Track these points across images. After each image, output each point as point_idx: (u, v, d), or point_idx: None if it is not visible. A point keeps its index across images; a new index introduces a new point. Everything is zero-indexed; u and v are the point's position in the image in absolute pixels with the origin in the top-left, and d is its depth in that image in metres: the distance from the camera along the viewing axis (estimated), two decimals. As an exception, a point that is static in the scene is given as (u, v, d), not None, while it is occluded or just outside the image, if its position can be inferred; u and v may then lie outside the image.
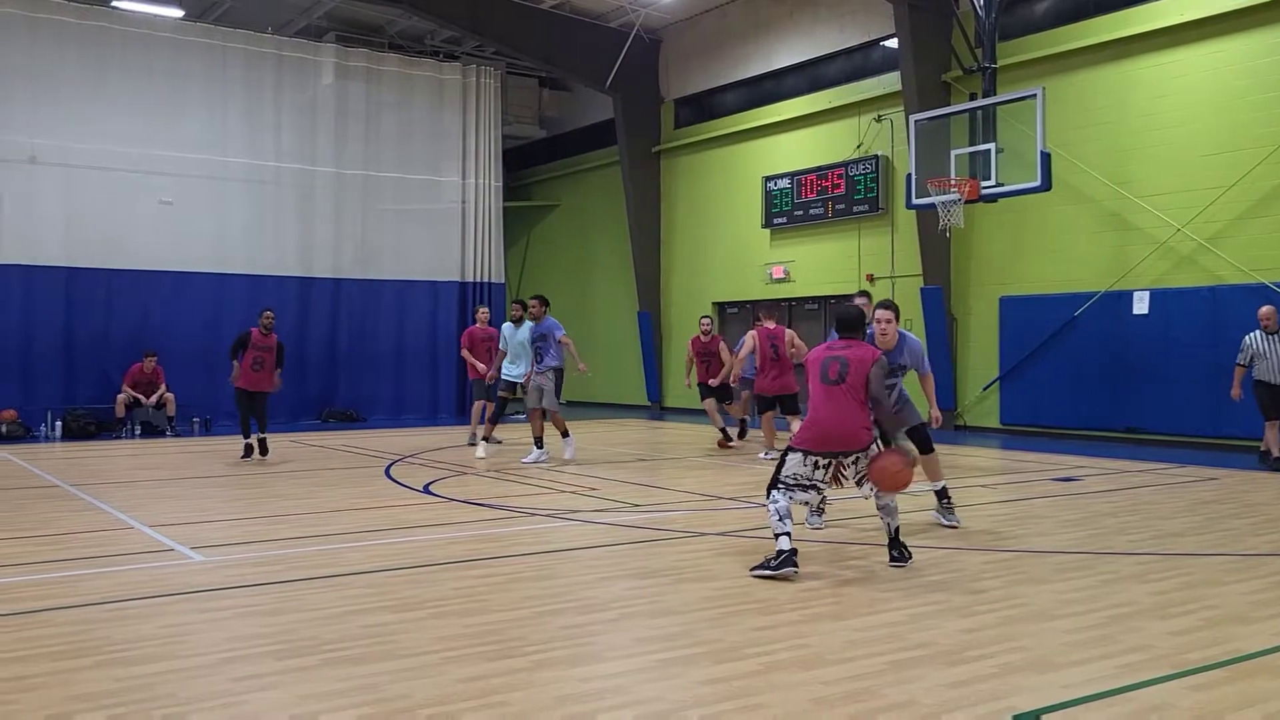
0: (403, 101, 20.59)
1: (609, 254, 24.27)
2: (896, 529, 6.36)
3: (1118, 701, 3.91)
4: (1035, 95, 13.66)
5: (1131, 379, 14.60)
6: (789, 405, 12.58)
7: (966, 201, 14.38)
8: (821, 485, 6.27)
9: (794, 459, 6.21)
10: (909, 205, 15.48)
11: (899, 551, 6.30)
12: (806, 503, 6.43)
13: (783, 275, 20.06)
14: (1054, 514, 8.47)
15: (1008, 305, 16.11)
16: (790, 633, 4.85)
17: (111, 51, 17.63)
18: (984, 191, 14.27)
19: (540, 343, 12.15)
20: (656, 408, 22.53)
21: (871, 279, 18.34)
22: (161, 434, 16.62)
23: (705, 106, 22.10)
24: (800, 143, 19.75)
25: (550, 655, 4.52)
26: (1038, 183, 13.69)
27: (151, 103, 17.95)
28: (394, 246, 20.37)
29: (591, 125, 24.74)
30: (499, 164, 21.88)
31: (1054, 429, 15.55)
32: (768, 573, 5.88)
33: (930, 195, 14.65)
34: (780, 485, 6.19)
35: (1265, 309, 11.79)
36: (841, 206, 18.70)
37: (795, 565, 5.90)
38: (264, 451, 12.79)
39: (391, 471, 11.49)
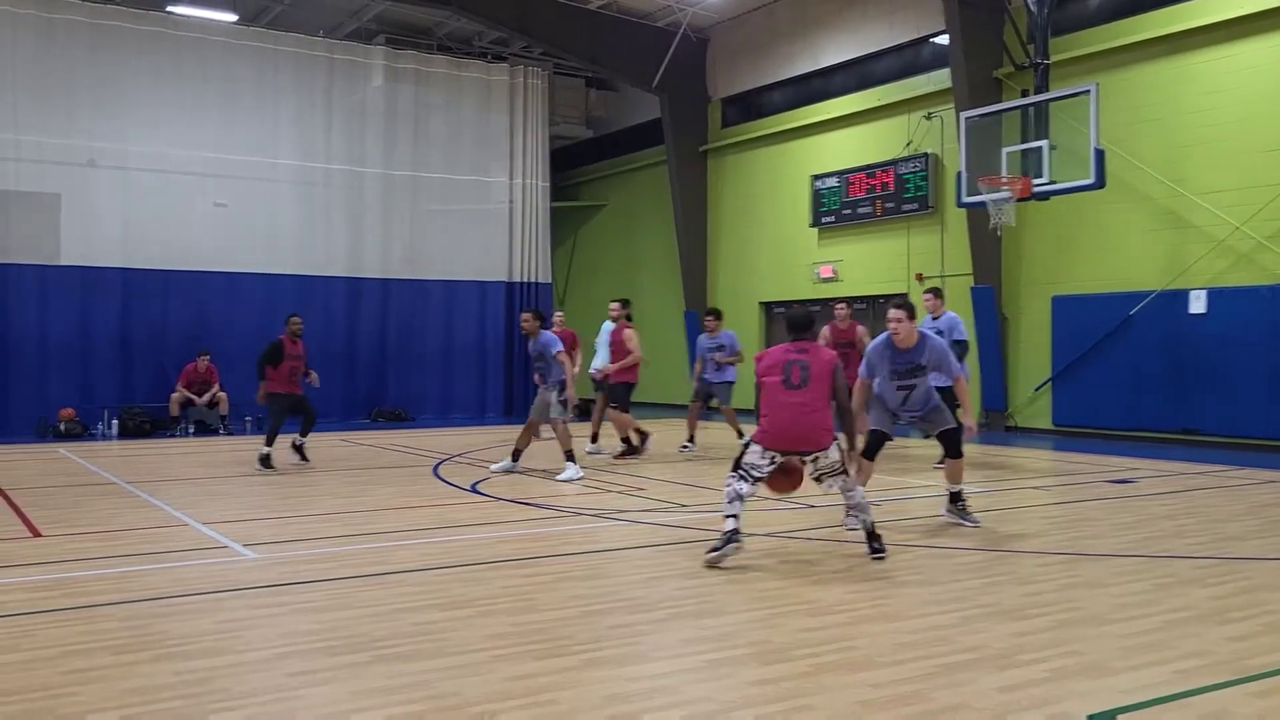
0: (451, 103, 20.75)
1: (656, 253, 24.27)
2: (872, 523, 6.59)
3: (1175, 707, 3.84)
4: (1089, 91, 13.45)
5: (1188, 379, 14.32)
6: None
7: (1018, 200, 14.20)
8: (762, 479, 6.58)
9: (754, 450, 6.55)
10: (959, 204, 15.31)
11: (878, 544, 6.52)
12: (741, 495, 6.54)
13: (831, 275, 19.93)
14: (1108, 517, 8.33)
15: (1060, 305, 15.87)
16: (838, 634, 4.82)
17: (166, 56, 17.95)
18: (1036, 189, 14.08)
19: (539, 362, 11.47)
20: (703, 408, 22.43)
21: (920, 278, 18.16)
22: (214, 432, 16.88)
23: (752, 105, 22.02)
24: (848, 141, 19.61)
25: (598, 655, 4.53)
26: (1091, 180, 13.48)
27: (205, 106, 18.25)
28: (442, 247, 20.54)
29: (638, 125, 24.76)
30: (546, 164, 21.96)
31: (1108, 430, 15.29)
32: (715, 555, 6.23)
33: (981, 193, 14.48)
34: (739, 472, 6.54)
35: None
36: (890, 205, 18.55)
37: (737, 542, 6.26)
38: (304, 457, 12.30)
39: (440, 470, 11.58)
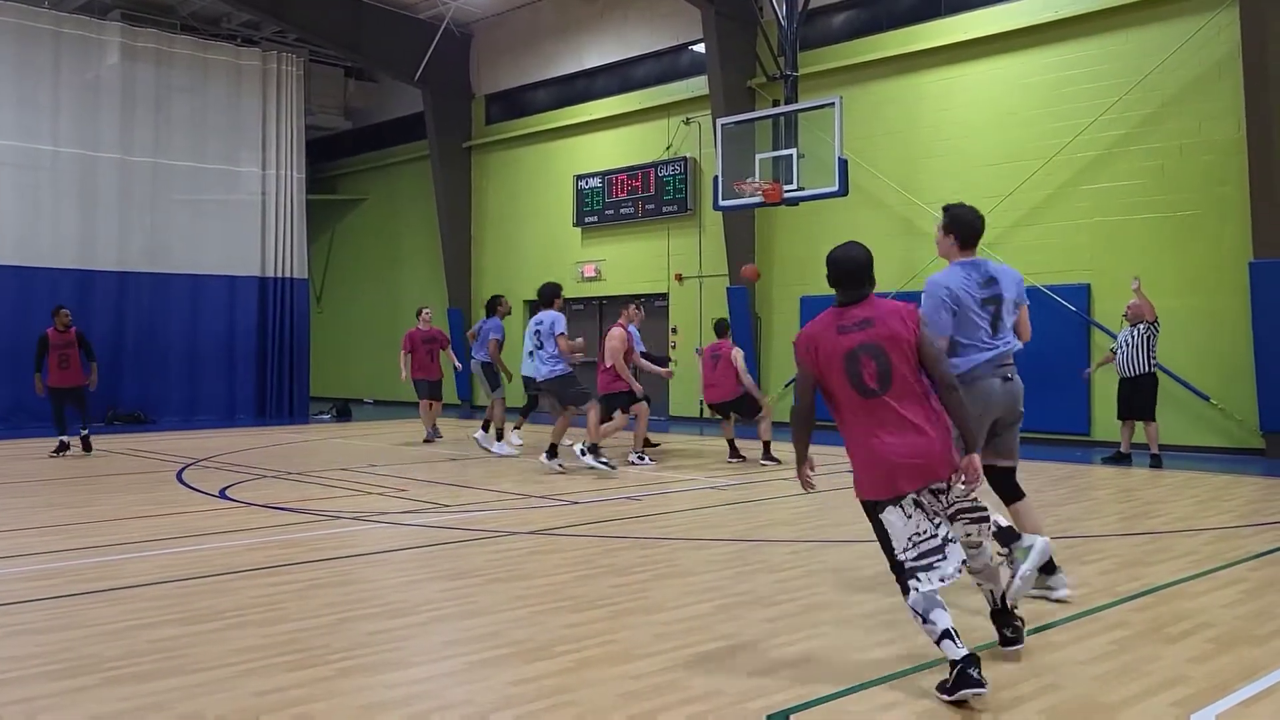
0: (196, 86, 19.54)
1: (418, 249, 23.81)
2: (1003, 596, 4.43)
3: (906, 683, 4.11)
4: (833, 104, 14.23)
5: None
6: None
7: (770, 204, 14.85)
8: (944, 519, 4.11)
9: (893, 518, 4.09)
10: (716, 207, 15.85)
11: (1012, 630, 4.40)
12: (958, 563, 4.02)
13: (594, 274, 20.18)
14: (850, 504, 8.82)
15: (809, 305, 16.73)
16: (600, 629, 4.88)
17: None
18: (786, 195, 14.76)
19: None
20: (467, 406, 22.25)
21: (680, 279, 18.70)
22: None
23: (517, 103, 21.98)
24: (611, 143, 19.92)
25: (355, 662, 4.38)
26: (836, 188, 14.27)
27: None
28: (186, 239, 19.31)
29: (400, 118, 24.21)
30: (302, 155, 21.07)
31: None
32: (948, 699, 3.84)
33: (736, 197, 15.05)
34: (907, 571, 4.02)
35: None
36: (651, 206, 18.98)
37: (978, 681, 3.77)
38: (87, 448, 12.89)
39: (184, 476, 10.90)
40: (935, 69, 15.44)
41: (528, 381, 12.16)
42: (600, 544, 7.05)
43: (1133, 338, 11.71)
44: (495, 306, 13.81)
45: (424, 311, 15.05)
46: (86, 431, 12.99)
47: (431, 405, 14.96)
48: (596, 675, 4.20)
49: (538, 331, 10.96)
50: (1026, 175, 14.40)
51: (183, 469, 11.47)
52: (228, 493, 9.58)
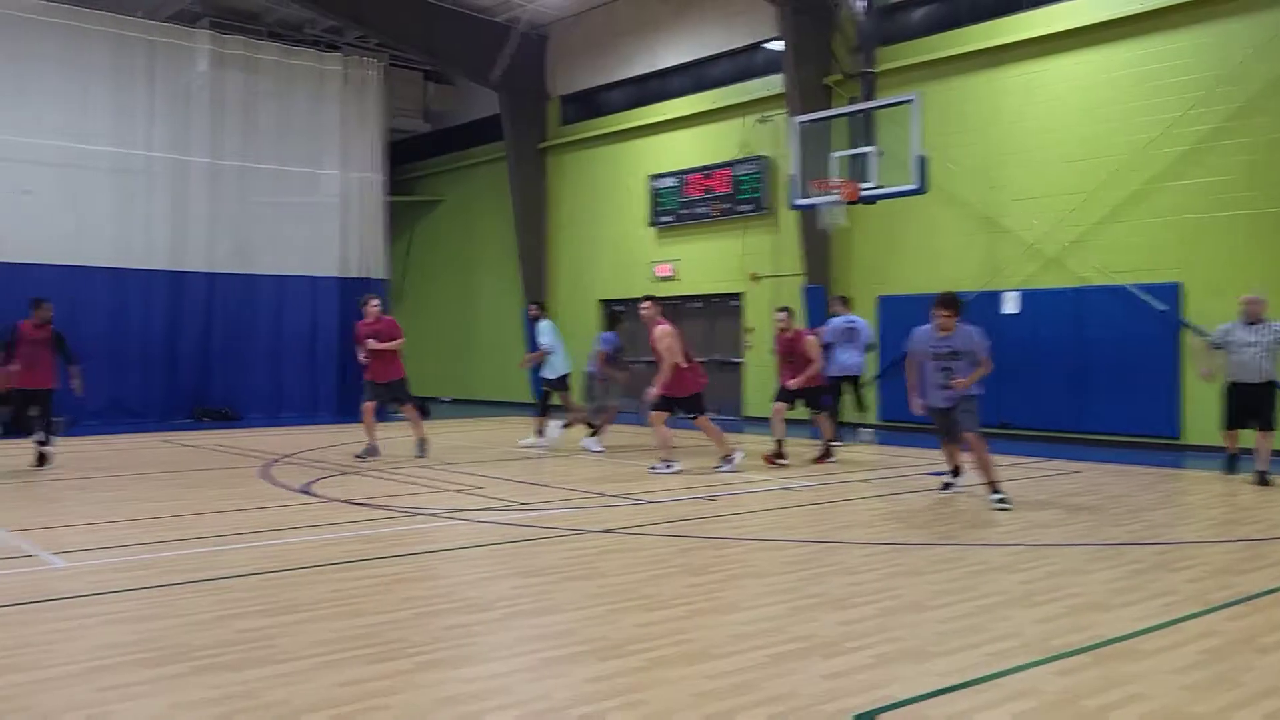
0: (281, 91, 20.02)
1: (495, 250, 24.06)
2: None
3: (989, 688, 4.05)
4: (912, 100, 14.06)
5: (1002, 376, 15.09)
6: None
7: (847, 203, 14.71)
8: None
9: None
10: (792, 206, 15.75)
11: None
12: None
13: (668, 274, 20.20)
14: (928, 508, 8.73)
15: (886, 304, 16.54)
16: (674, 628, 4.89)
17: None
18: (863, 193, 14.62)
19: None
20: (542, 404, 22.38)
21: (755, 278, 18.62)
22: (24, 434, 15.76)
23: (592, 104, 22.09)
24: (686, 142, 19.91)
25: (433, 657, 4.45)
26: (914, 185, 14.10)
27: (7, 86, 17.05)
28: (271, 240, 19.80)
29: (477, 120, 24.49)
30: (382, 157, 21.45)
31: (930, 425, 16.00)
32: None
33: (813, 196, 14.94)
34: None
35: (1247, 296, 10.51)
36: (726, 206, 18.93)
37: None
38: (41, 462, 11.38)
39: (269, 471, 11.17)
40: (1017, 63, 15.13)
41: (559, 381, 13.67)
42: (674, 543, 7.05)
43: (1257, 337, 10.18)
44: (615, 321, 14.43)
45: (371, 302, 12.85)
46: (45, 440, 11.48)
47: (401, 409, 12.96)
48: (670, 674, 4.20)
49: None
50: (1111, 171, 14.05)
51: (267, 465, 11.76)
52: (311, 488, 9.80)
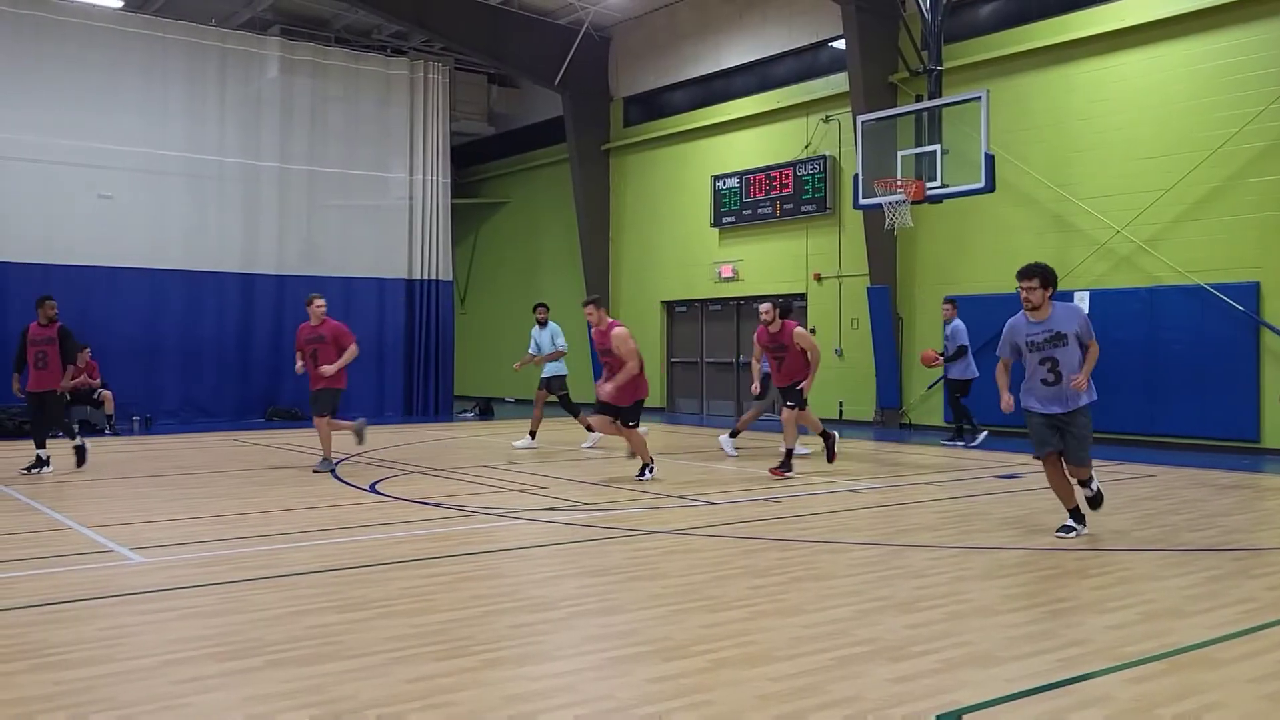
0: (349, 96, 20.36)
1: (558, 251, 24.21)
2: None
3: (1059, 695, 3.98)
4: (979, 98, 13.87)
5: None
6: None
7: (912, 202, 14.55)
8: None
9: None
10: (856, 205, 15.62)
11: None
12: None
13: (731, 274, 20.15)
14: (996, 511, 8.60)
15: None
16: (738, 630, 4.87)
17: (47, 42, 17.23)
18: (929, 192, 14.45)
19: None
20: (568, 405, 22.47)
21: (819, 278, 18.50)
22: (100, 432, 16.26)
23: (654, 105, 22.12)
24: (749, 142, 19.85)
25: (498, 655, 4.49)
26: (982, 184, 13.90)
27: (88, 95, 17.57)
28: (339, 243, 20.15)
29: (541, 122, 24.67)
30: (447, 160, 21.71)
31: (997, 427, 15.77)
32: None
33: (877, 195, 14.80)
34: None
35: None
36: (790, 206, 18.83)
37: None
38: (81, 461, 11.20)
39: (337, 470, 11.36)
40: (1089, 58, 14.84)
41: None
42: (738, 545, 7.04)
43: None
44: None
45: (315, 302, 11.32)
46: (73, 437, 11.29)
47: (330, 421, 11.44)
48: (734, 676, 4.19)
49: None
50: (1189, 168, 13.70)
51: (337, 463, 11.95)
52: (378, 487, 9.95)
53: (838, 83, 17.78)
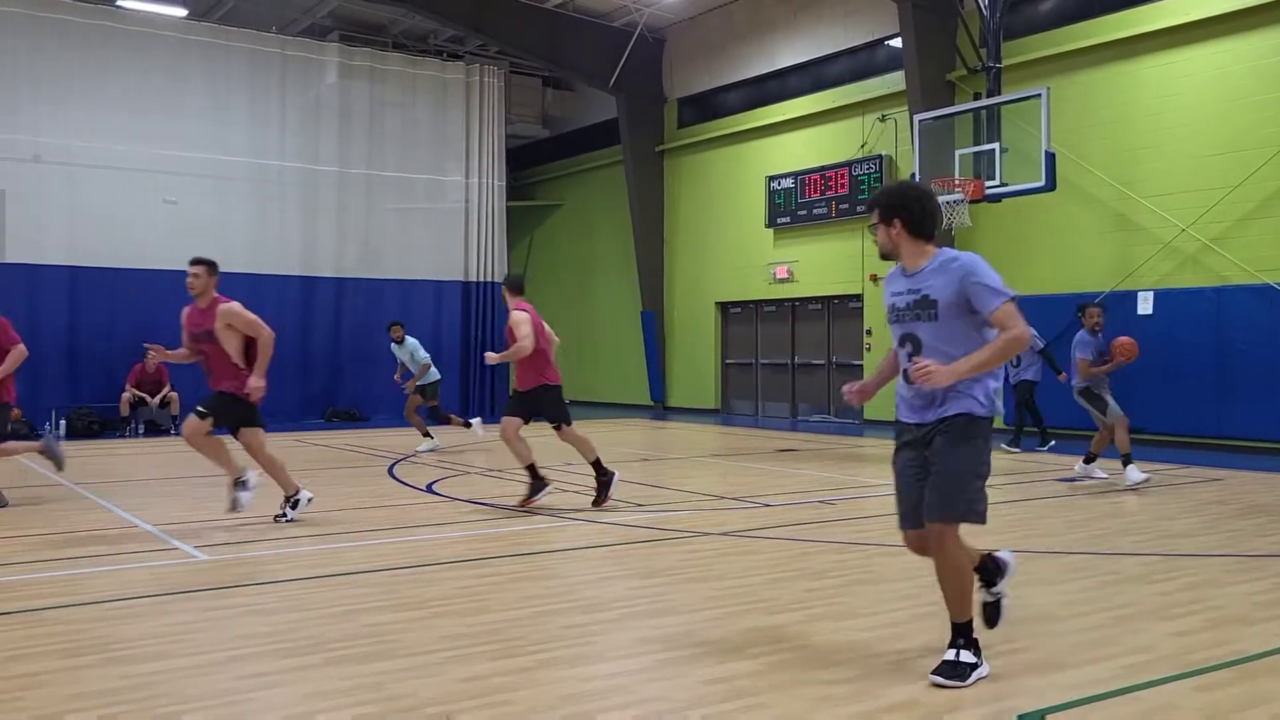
0: (406, 101, 20.62)
1: (612, 253, 24.27)
2: None
3: (1123, 702, 3.90)
4: (1040, 95, 13.66)
5: (1136, 379, 14.54)
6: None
7: (970, 201, 14.37)
8: None
9: None
10: (912, 205, 15.43)
11: None
12: None
13: (786, 275, 20.05)
14: (1058, 514, 8.45)
15: (1012, 305, 16.05)
16: (793, 633, 4.85)
17: (114, 51, 17.68)
18: (988, 191, 14.26)
19: None
20: (660, 407, 22.52)
21: (875, 279, 18.34)
22: (165, 433, 16.62)
23: (709, 106, 22.09)
24: (804, 142, 19.73)
25: (553, 655, 4.51)
26: (1042, 183, 13.69)
27: (154, 101, 18.00)
28: (397, 246, 20.41)
29: (595, 124, 24.75)
30: (502, 163, 21.90)
31: (1059, 429, 15.51)
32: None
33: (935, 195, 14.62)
34: None
35: None
36: (845, 206, 18.69)
37: None
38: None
39: (394, 470, 11.49)
40: (1153, 54, 14.54)
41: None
42: (793, 547, 6.99)
43: None
44: (1082, 313, 11.04)
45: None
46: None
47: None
48: (790, 678, 4.17)
49: None
50: (1256, 165, 13.36)
51: (394, 464, 12.10)
52: (434, 487, 10.05)
53: (894, 81, 17.62)
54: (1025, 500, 9.36)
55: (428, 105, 20.87)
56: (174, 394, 16.89)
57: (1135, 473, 9.90)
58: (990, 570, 4.51)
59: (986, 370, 4.19)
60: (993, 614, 4.53)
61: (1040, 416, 13.94)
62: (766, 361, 20.99)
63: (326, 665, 4.34)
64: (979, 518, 4.17)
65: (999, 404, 4.29)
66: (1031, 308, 15.49)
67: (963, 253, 4.49)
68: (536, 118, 25.22)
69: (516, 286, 8.98)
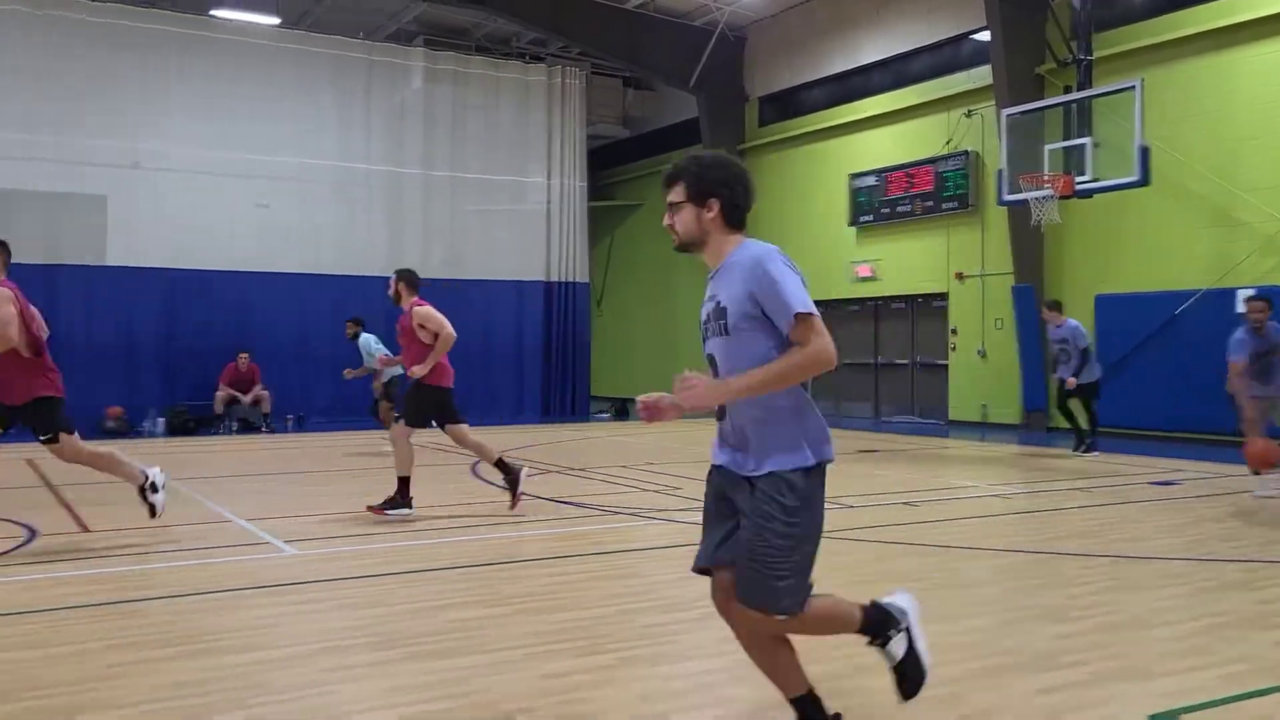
0: (489, 103, 20.86)
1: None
2: None
3: (1221, 712, 3.76)
4: (1134, 87, 13.26)
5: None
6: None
7: (1061, 197, 14.02)
8: None
9: None
10: (1000, 202, 15.14)
11: None
12: None
13: (869, 274, 19.80)
14: (1151, 518, 8.20)
15: (1104, 304, 15.64)
16: (876, 635, 4.77)
17: (209, 59, 18.20)
18: (1079, 187, 13.90)
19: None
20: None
21: (960, 277, 18.01)
22: (258, 430, 17.08)
23: (790, 104, 21.92)
24: (887, 139, 19.46)
25: (634, 653, 4.52)
26: (1136, 177, 13.29)
27: (245, 108, 18.47)
28: (480, 247, 20.65)
29: (675, 124, 24.72)
30: (584, 164, 22.01)
31: (1151, 431, 15.06)
32: None
33: (1023, 191, 14.32)
34: None
35: None
36: (930, 204, 18.39)
37: None
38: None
39: (478, 469, 11.63)
40: (1253, 43, 14.00)
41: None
42: (874, 549, 6.90)
43: None
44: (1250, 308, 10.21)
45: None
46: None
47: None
48: (871, 683, 4.11)
49: None
50: (1365, 155, 12.80)
51: (476, 462, 12.24)
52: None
53: (980, 76, 17.27)
54: (1118, 503, 9.10)
55: (510, 107, 21.08)
56: (265, 393, 17.33)
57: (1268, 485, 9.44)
58: (878, 622, 3.52)
59: (774, 389, 3.20)
60: (912, 671, 3.48)
61: (1096, 418, 13.20)
62: (849, 361, 20.74)
63: (409, 660, 4.41)
64: (793, 609, 3.30)
65: (830, 449, 3.38)
66: (1124, 306, 15.13)
67: (758, 243, 3.51)
68: (617, 118, 25.30)
69: (414, 282, 9.45)
